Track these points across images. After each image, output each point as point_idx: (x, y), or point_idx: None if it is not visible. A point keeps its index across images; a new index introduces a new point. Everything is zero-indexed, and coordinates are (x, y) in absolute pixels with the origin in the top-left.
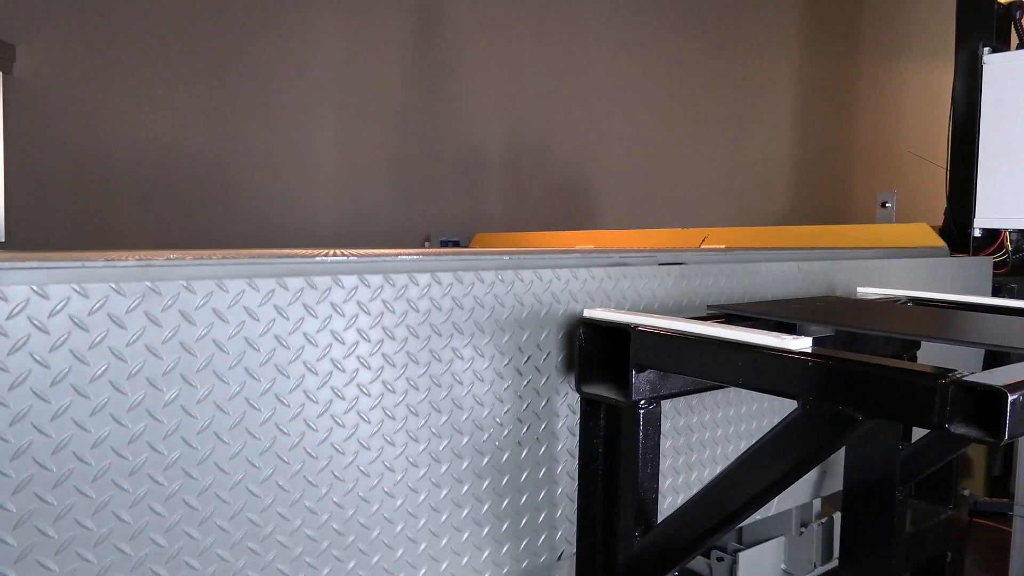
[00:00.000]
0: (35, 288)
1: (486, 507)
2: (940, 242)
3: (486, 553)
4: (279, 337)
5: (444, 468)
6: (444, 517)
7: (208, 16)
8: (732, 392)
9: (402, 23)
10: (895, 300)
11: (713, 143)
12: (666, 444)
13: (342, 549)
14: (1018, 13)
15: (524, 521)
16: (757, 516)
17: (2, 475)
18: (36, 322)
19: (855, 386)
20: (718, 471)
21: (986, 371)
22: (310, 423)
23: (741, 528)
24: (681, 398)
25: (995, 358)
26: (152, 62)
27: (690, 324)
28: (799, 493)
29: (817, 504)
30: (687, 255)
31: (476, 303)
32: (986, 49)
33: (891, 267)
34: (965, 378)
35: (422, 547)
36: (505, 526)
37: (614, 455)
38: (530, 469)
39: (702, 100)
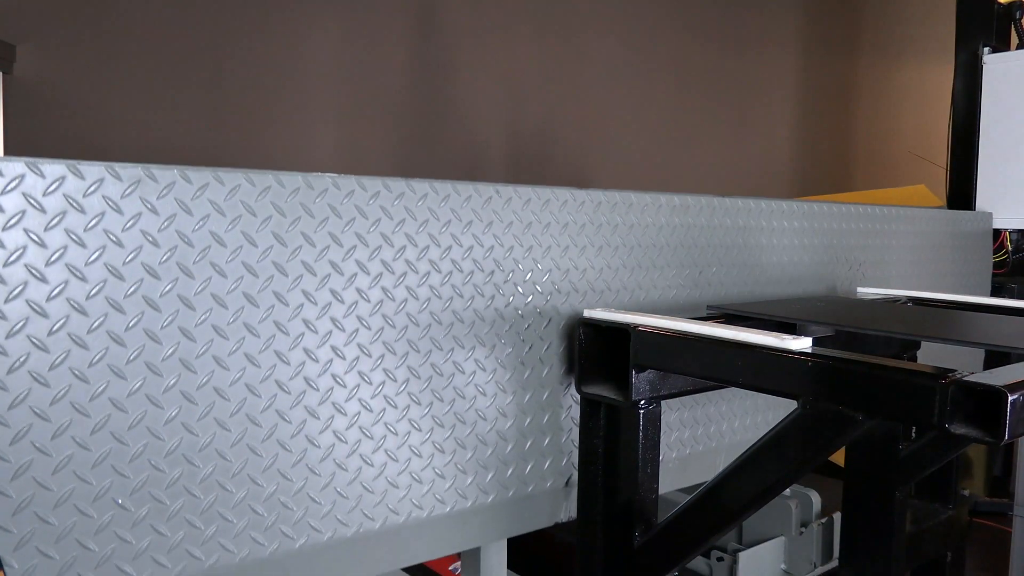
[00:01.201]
0: (29, 164)
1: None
2: (939, 202)
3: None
4: (277, 235)
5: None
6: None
7: (208, 16)
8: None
9: (402, 23)
10: (895, 300)
11: (713, 143)
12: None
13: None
14: (1018, 13)
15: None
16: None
17: None
18: (32, 200)
19: (855, 386)
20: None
21: (986, 371)
22: (310, 324)
23: (741, 528)
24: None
25: (995, 358)
26: (152, 62)
27: (690, 324)
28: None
29: (817, 504)
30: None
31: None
32: (986, 49)
33: (893, 217)
34: (965, 378)
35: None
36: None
37: (614, 455)
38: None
39: (702, 100)
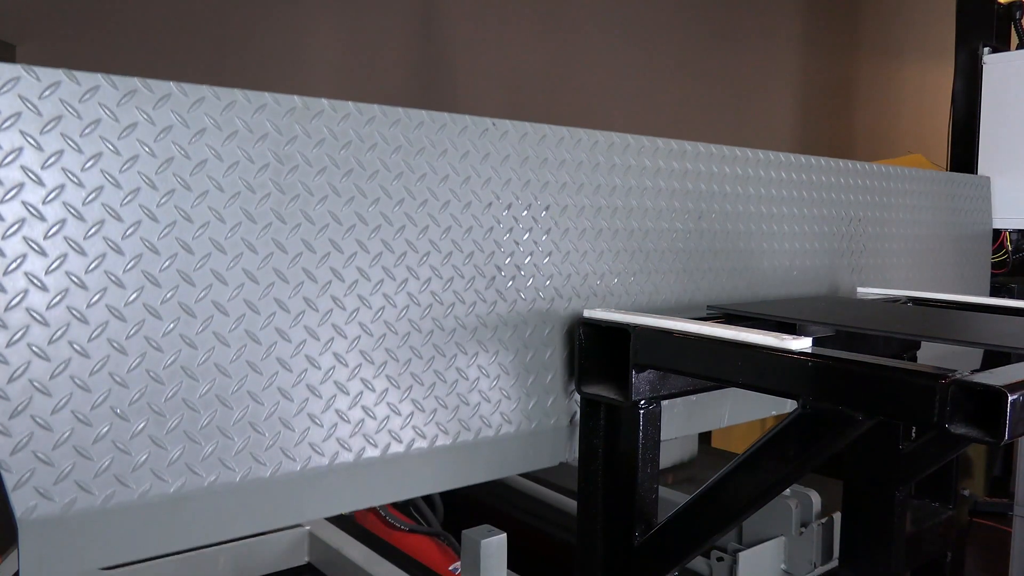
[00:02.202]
0: (24, 68)
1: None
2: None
3: None
4: (275, 152)
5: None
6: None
7: (209, 18)
8: None
9: (403, 23)
10: (895, 300)
11: (713, 142)
12: None
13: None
14: (1018, 13)
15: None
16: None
17: None
18: (28, 103)
19: (855, 386)
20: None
21: (986, 371)
22: (308, 244)
23: (741, 528)
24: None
25: (995, 358)
26: (152, 62)
27: (690, 324)
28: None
29: (817, 504)
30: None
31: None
32: (986, 49)
33: (893, 177)
34: (965, 378)
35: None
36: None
37: (614, 455)
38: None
39: (702, 99)
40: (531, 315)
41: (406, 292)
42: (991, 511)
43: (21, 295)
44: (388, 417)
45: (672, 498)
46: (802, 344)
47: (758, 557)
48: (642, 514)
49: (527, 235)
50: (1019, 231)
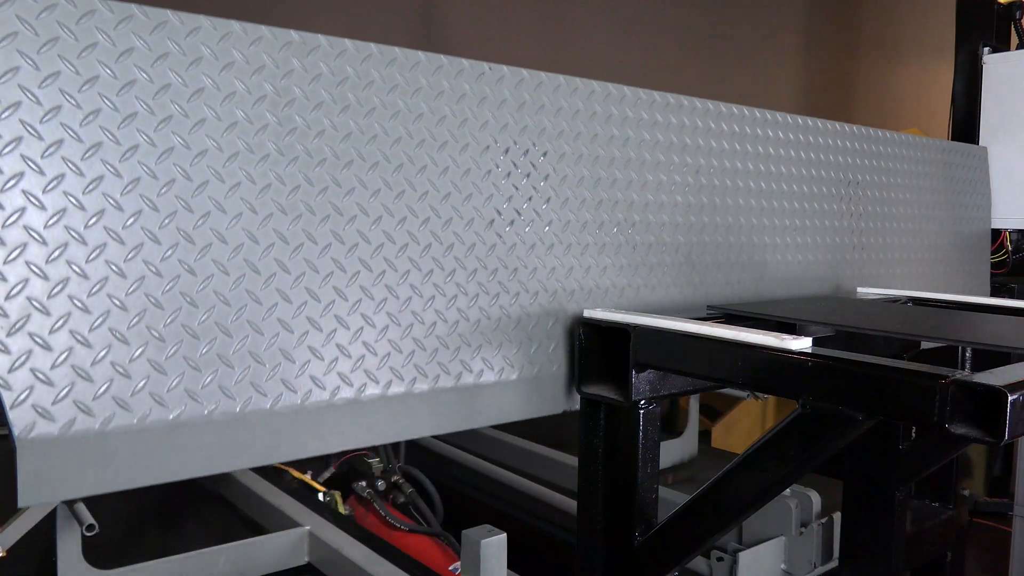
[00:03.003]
0: None
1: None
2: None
3: None
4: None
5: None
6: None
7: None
8: None
9: (403, 24)
10: (895, 300)
11: None
12: None
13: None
14: (1018, 13)
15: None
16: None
17: None
18: (25, 23)
19: (855, 386)
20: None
21: (986, 371)
22: (307, 177)
23: (741, 528)
24: None
25: (994, 358)
26: None
27: (690, 324)
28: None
29: (817, 504)
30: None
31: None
32: (986, 49)
33: (892, 142)
34: (965, 378)
35: None
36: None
37: (614, 455)
38: None
39: (702, 98)
40: (532, 257)
41: (405, 230)
42: (991, 511)
43: (18, 213)
44: (389, 354)
45: (672, 498)
46: (802, 344)
47: (758, 557)
48: (642, 514)
49: (525, 180)
50: (1019, 231)
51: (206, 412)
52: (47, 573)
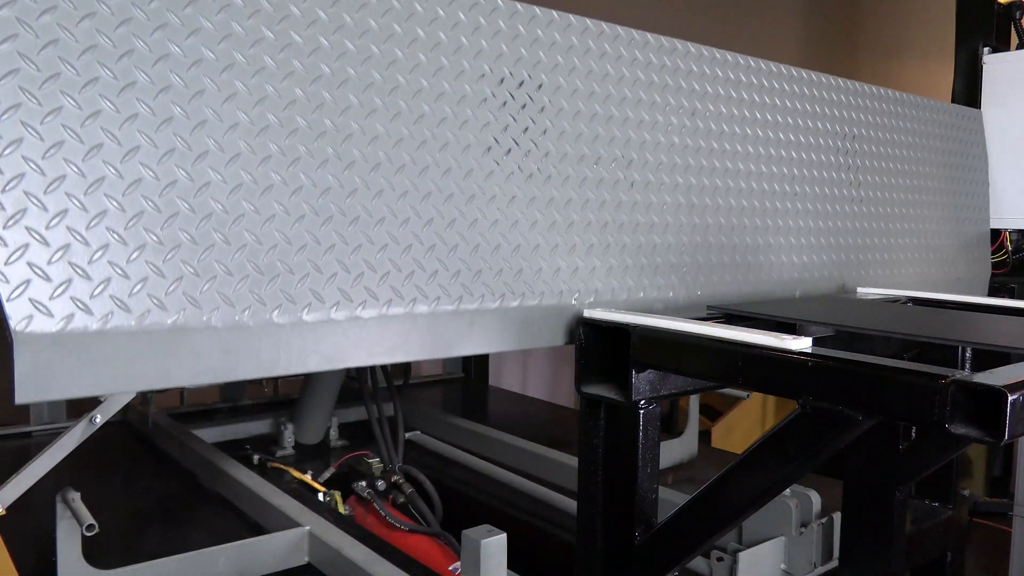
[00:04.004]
0: None
1: None
2: None
3: None
4: None
5: None
6: None
7: None
8: None
9: None
10: (895, 300)
11: None
12: None
13: None
14: (1018, 13)
15: None
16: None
17: None
18: None
19: (855, 386)
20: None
21: (986, 371)
22: (304, 91)
23: (741, 528)
24: None
25: (994, 358)
26: None
27: (690, 324)
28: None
29: (817, 504)
30: None
31: None
32: (986, 49)
33: (888, 99)
34: (965, 378)
35: None
36: None
37: (614, 455)
38: None
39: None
40: (531, 187)
41: (402, 152)
42: (991, 511)
43: (13, 109)
44: (388, 273)
45: (672, 498)
46: (802, 344)
47: (758, 557)
48: (642, 514)
49: (521, 111)
50: (1019, 231)
51: (205, 317)
52: (47, 573)
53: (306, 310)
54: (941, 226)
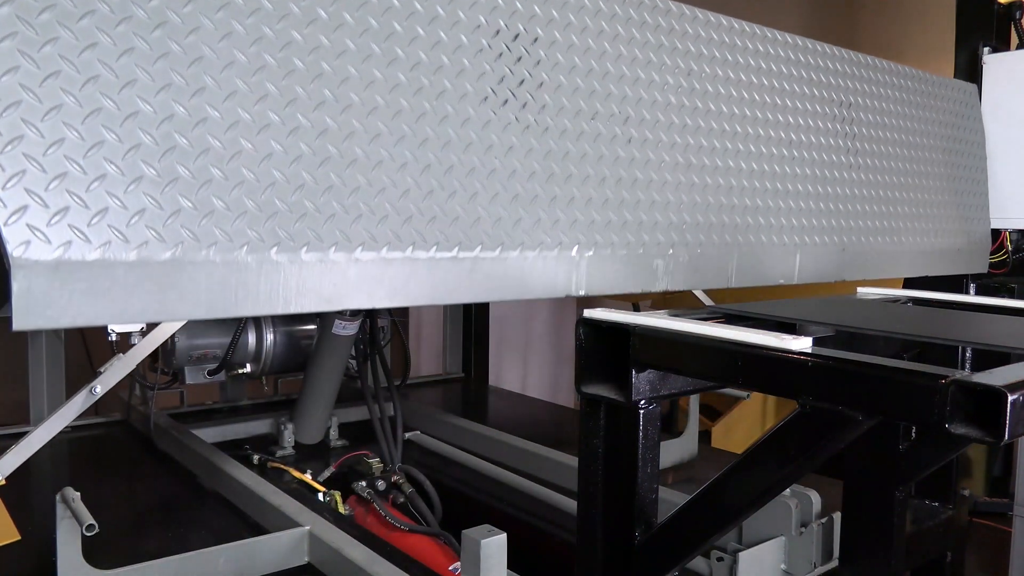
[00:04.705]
0: None
1: None
2: None
3: None
4: None
5: None
6: None
7: None
8: None
9: None
10: (895, 300)
11: None
12: None
13: None
14: (1018, 13)
15: None
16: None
17: None
18: None
19: (855, 386)
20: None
21: (986, 371)
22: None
23: (741, 528)
24: None
25: (994, 358)
26: None
27: (690, 324)
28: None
29: (817, 504)
30: None
31: None
32: (986, 49)
33: (883, 70)
34: (965, 378)
35: None
36: None
37: (614, 455)
38: None
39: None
40: (528, 138)
41: (399, 98)
42: (991, 511)
43: (11, 37)
44: (387, 216)
45: (672, 498)
46: (802, 344)
47: (758, 557)
48: (642, 514)
49: (517, 63)
50: (1019, 231)
51: (203, 252)
52: (47, 573)
53: (304, 249)
54: (939, 196)
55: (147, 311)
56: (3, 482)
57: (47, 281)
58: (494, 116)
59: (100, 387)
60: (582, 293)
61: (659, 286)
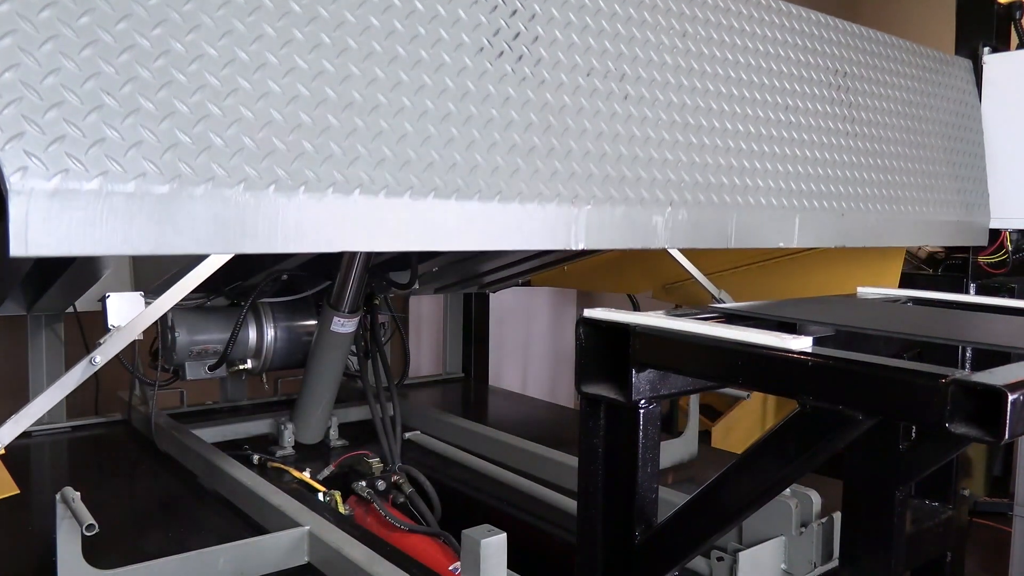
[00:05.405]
0: None
1: None
2: None
3: None
4: None
5: None
6: None
7: None
8: None
9: None
10: (895, 300)
11: None
12: None
13: None
14: (1018, 13)
15: None
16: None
17: None
18: None
19: (855, 386)
20: None
21: (986, 371)
22: None
23: (741, 528)
24: None
25: (994, 358)
26: None
27: (690, 323)
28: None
29: (817, 504)
30: None
31: None
32: (986, 49)
33: (877, 41)
34: (965, 378)
35: None
36: None
37: (614, 455)
38: None
39: None
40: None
41: (397, 45)
42: (991, 511)
43: None
44: (384, 160)
45: (672, 498)
46: (802, 344)
47: (758, 557)
48: (642, 514)
49: (512, 16)
50: (1019, 231)
51: (201, 187)
52: (47, 573)
53: (302, 188)
54: (938, 168)
55: (144, 243)
56: (3, 451)
57: (44, 209)
58: (490, 67)
59: (100, 357)
60: (581, 246)
61: (658, 243)
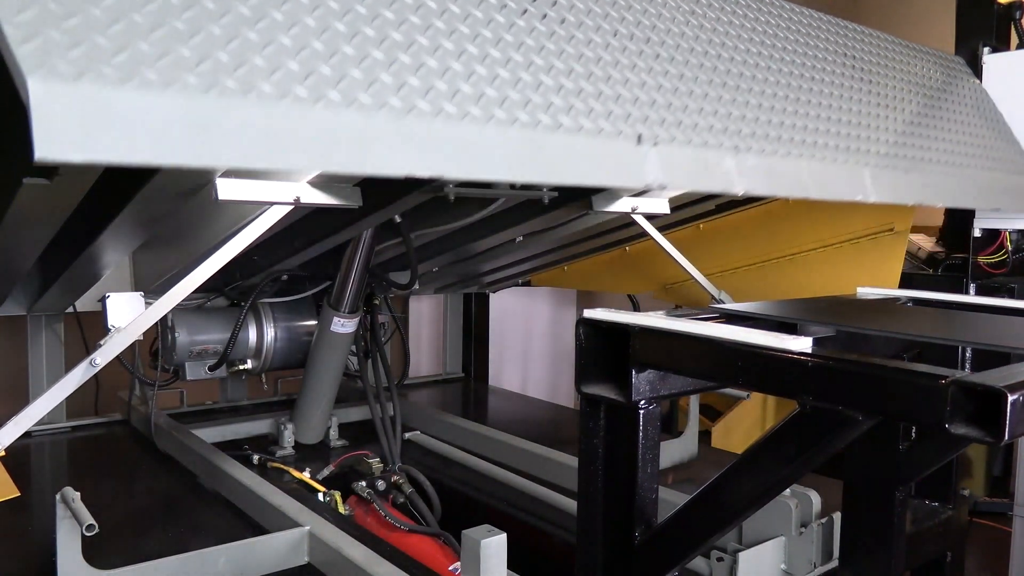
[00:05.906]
0: None
1: None
2: None
3: None
4: None
5: None
6: None
7: None
8: None
9: None
10: (895, 300)
11: None
12: None
13: None
14: (1018, 13)
15: None
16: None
17: None
18: None
19: (855, 386)
20: None
21: (986, 371)
22: None
23: (741, 528)
24: None
25: (994, 358)
26: None
27: (690, 324)
28: None
29: (817, 504)
30: None
31: None
32: (986, 49)
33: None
34: (965, 378)
35: None
36: None
37: (614, 455)
38: None
39: None
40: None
41: None
42: (991, 511)
43: None
44: (376, 81)
45: (672, 498)
46: (802, 344)
47: (758, 557)
48: (642, 514)
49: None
50: (1019, 231)
51: (235, 102)
52: (47, 573)
53: (337, 101)
54: (998, 142)
55: (177, 151)
56: (3, 453)
57: (64, 108)
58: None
59: (100, 358)
60: (657, 184)
61: (735, 188)
